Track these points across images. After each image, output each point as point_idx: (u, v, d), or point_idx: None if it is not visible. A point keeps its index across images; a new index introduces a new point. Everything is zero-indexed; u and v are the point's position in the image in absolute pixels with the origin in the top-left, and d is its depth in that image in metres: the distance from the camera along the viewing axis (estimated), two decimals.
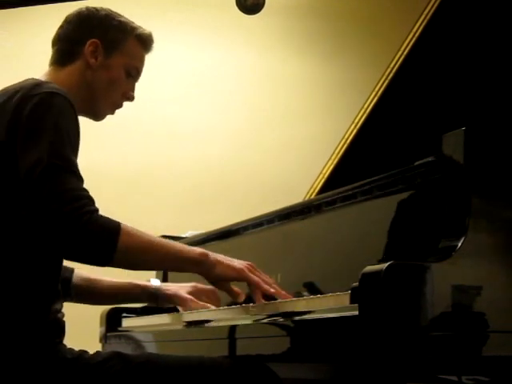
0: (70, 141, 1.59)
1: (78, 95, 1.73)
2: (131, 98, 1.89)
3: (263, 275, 1.72)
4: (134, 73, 1.87)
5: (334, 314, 1.48)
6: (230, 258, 1.71)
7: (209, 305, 1.97)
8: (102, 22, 1.83)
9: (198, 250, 1.69)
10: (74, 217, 1.49)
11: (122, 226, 1.56)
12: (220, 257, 1.70)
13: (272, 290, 1.69)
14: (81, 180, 1.57)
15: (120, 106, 1.89)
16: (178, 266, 1.71)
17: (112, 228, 1.54)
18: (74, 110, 1.64)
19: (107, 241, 1.53)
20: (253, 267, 1.72)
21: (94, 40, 1.81)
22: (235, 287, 1.74)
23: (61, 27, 1.86)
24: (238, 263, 1.71)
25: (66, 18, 1.86)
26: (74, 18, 1.84)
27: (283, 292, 1.72)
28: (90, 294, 1.97)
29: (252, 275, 1.69)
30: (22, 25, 4.14)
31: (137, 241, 1.58)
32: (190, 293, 2.04)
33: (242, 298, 1.75)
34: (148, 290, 2.08)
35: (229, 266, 1.69)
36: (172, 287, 2.08)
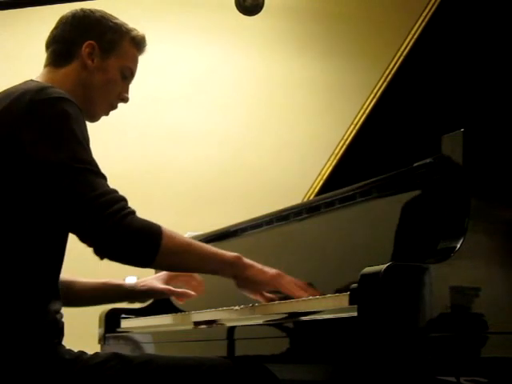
0: (87, 146, 1.63)
1: (74, 96, 1.74)
2: (126, 100, 1.91)
3: (295, 280, 1.74)
4: (128, 74, 1.89)
5: (333, 315, 1.48)
6: (262, 265, 1.74)
7: (189, 291, 2.06)
8: (97, 23, 1.84)
9: (231, 253, 1.72)
10: (117, 220, 1.53)
11: (162, 228, 1.59)
12: (252, 262, 1.73)
13: (306, 295, 1.68)
14: (106, 179, 1.61)
15: (115, 107, 1.91)
16: (214, 268, 1.73)
17: (155, 230, 1.58)
18: (82, 114, 1.66)
19: (151, 243, 1.56)
20: (283, 275, 1.73)
21: (90, 42, 1.82)
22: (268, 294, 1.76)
23: (55, 28, 1.86)
24: (268, 270, 1.73)
25: (61, 19, 1.86)
26: (70, 19, 1.85)
27: (317, 293, 1.72)
28: (64, 296, 1.86)
29: (284, 282, 1.71)
30: (22, 25, 4.14)
31: (177, 243, 1.62)
32: (165, 281, 2.08)
33: (269, 299, 1.76)
34: (124, 289, 2.11)
35: (260, 271, 1.72)
36: (147, 281, 2.11)
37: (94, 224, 1.53)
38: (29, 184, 1.58)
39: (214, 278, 1.78)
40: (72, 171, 1.55)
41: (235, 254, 1.71)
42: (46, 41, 1.87)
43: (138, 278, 2.14)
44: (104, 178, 1.61)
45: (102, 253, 1.56)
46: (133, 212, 1.57)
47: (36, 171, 1.57)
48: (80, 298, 2.07)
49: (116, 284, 2.11)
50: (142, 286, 2.10)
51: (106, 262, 1.59)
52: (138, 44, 1.90)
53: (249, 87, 4.61)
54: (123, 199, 1.58)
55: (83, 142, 1.61)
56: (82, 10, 1.85)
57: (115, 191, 1.59)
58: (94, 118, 1.88)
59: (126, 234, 1.53)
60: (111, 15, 1.88)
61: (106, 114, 1.90)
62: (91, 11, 1.86)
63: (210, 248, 1.71)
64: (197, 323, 2.00)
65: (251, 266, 1.71)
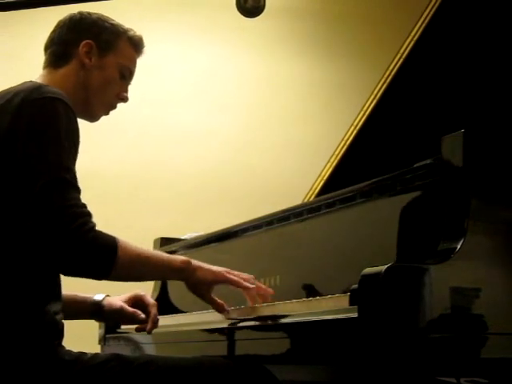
0: (72, 150, 1.62)
1: (74, 96, 1.74)
2: (125, 99, 1.91)
3: (242, 274, 1.80)
4: (127, 74, 1.90)
5: (333, 316, 1.48)
6: (209, 265, 1.78)
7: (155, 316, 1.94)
8: (94, 24, 1.87)
9: (180, 257, 1.76)
10: (80, 234, 1.53)
11: (117, 240, 1.60)
12: (200, 263, 1.76)
13: (252, 286, 1.77)
14: (79, 192, 1.60)
15: (114, 107, 1.91)
16: (165, 275, 1.83)
17: (111, 244, 1.58)
18: (75, 115, 1.66)
19: (108, 256, 1.57)
20: (230, 271, 1.79)
21: (87, 41, 1.83)
22: (219, 299, 1.79)
23: (53, 31, 1.89)
24: (216, 268, 1.78)
25: (59, 22, 1.89)
26: (67, 21, 1.88)
27: (263, 286, 1.83)
28: None
29: (231, 276, 1.77)
30: (23, 27, 4.14)
31: (132, 255, 1.62)
32: (130, 303, 1.99)
33: (225, 309, 1.79)
34: (88, 304, 2.00)
35: (208, 270, 1.76)
36: (115, 301, 2.00)
37: (57, 236, 1.52)
38: (18, 179, 1.57)
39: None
40: (45, 178, 1.55)
41: (183, 258, 1.74)
42: (45, 44, 1.89)
43: (106, 296, 2.00)
44: (76, 189, 1.59)
45: (62, 267, 1.57)
46: (93, 226, 1.56)
47: (20, 170, 1.57)
48: None
49: (82, 298, 2.01)
50: (111, 305, 1.99)
51: None
52: (136, 44, 1.91)
53: (249, 88, 4.61)
54: (87, 214, 1.57)
55: (67, 146, 1.60)
56: (79, 12, 1.88)
57: (83, 205, 1.58)
58: (94, 118, 1.89)
59: (84, 249, 1.53)
60: (108, 17, 1.90)
61: (106, 113, 1.90)
62: (88, 13, 1.88)
63: (161, 255, 1.74)
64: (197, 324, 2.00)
65: (200, 268, 1.74)
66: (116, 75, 1.87)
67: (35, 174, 1.55)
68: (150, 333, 1.91)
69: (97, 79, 1.83)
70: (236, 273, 1.80)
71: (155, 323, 1.91)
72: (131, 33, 1.90)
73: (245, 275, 1.81)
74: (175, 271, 1.73)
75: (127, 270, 1.62)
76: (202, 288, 1.77)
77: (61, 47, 1.85)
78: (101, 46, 1.84)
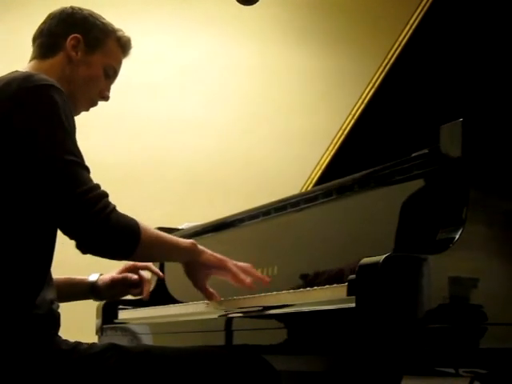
0: (73, 132, 1.64)
1: None
2: (106, 98, 1.93)
3: (242, 265, 1.85)
4: (111, 73, 1.92)
5: (331, 306, 1.48)
6: (210, 251, 1.86)
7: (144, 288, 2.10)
8: (84, 19, 1.88)
9: (187, 240, 1.84)
10: (103, 218, 1.58)
11: (139, 223, 1.66)
12: (203, 248, 1.85)
13: (248, 281, 1.81)
14: (89, 172, 1.64)
15: (95, 104, 1.93)
16: (176, 256, 1.85)
17: (134, 225, 1.64)
18: (68, 100, 1.67)
19: (132, 238, 1.63)
20: (231, 261, 1.85)
21: (75, 35, 1.84)
22: (211, 288, 1.88)
23: (43, 23, 1.89)
24: (217, 254, 1.86)
25: (50, 14, 1.90)
26: (58, 14, 1.89)
27: (260, 275, 1.87)
28: None
29: (231, 265, 1.83)
30: (14, 15, 4.12)
31: (152, 237, 1.69)
32: (122, 271, 2.12)
33: (216, 298, 1.89)
34: (87, 284, 2.11)
35: (212, 255, 1.84)
36: (108, 276, 2.12)
37: (80, 220, 1.56)
38: (19, 172, 1.59)
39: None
40: (59, 163, 1.58)
41: (190, 240, 1.83)
42: (34, 35, 1.89)
43: (100, 275, 2.14)
44: (88, 170, 1.64)
45: (86, 247, 1.61)
46: (114, 208, 1.62)
47: (24, 159, 1.58)
48: None
49: (79, 280, 2.12)
50: (104, 279, 2.11)
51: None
52: (123, 45, 1.93)
53: (246, 78, 4.60)
54: (106, 195, 1.62)
55: (70, 131, 1.63)
56: (71, 7, 1.89)
57: (99, 186, 1.62)
58: (75, 112, 1.88)
59: (110, 231, 1.59)
60: (99, 15, 1.92)
61: (87, 109, 1.92)
62: (80, 9, 1.90)
63: (172, 237, 1.81)
64: (196, 314, 2.00)
65: (204, 252, 1.83)
66: (101, 73, 1.88)
67: (45, 165, 1.57)
68: (146, 296, 2.06)
69: (82, 75, 1.85)
70: (234, 262, 1.85)
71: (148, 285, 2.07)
72: (120, 33, 1.92)
73: (244, 265, 1.85)
74: (185, 252, 1.81)
75: (148, 250, 1.69)
76: (202, 272, 1.85)
77: (49, 39, 1.86)
78: (89, 43, 1.86)
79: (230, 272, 1.82)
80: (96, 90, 1.89)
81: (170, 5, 4.48)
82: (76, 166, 1.59)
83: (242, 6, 1.62)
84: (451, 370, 1.45)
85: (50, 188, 1.57)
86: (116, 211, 1.61)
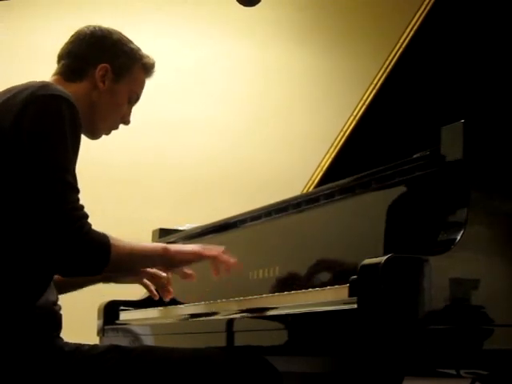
0: (74, 150, 1.64)
1: (81, 113, 1.73)
2: (127, 123, 1.96)
3: (215, 247, 1.86)
4: (134, 98, 1.93)
5: (332, 307, 1.48)
6: (183, 245, 1.88)
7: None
8: (114, 45, 1.86)
9: (159, 245, 1.86)
10: (78, 236, 1.57)
11: (110, 239, 1.64)
12: (177, 246, 1.88)
13: (232, 261, 1.82)
14: (79, 193, 1.63)
15: (116, 128, 1.95)
16: (150, 264, 1.89)
17: (105, 243, 1.62)
18: (78, 113, 1.65)
19: (102, 256, 1.61)
20: (205, 246, 1.86)
21: (104, 65, 1.83)
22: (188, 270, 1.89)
23: (71, 42, 1.86)
24: (192, 247, 1.86)
25: (79, 34, 1.87)
26: (87, 36, 1.86)
27: (231, 260, 1.85)
28: None
29: (207, 252, 1.83)
30: (19, 17, 4.12)
31: (121, 252, 1.67)
32: None
33: (194, 278, 1.88)
34: None
35: (187, 253, 1.83)
36: None
37: (58, 236, 1.55)
38: (19, 173, 1.59)
39: (211, 270, 1.83)
40: (51, 177, 1.57)
41: (162, 244, 1.83)
42: (60, 52, 1.87)
43: None
44: (77, 191, 1.62)
45: (58, 264, 1.59)
46: (90, 228, 1.60)
47: (23, 164, 1.58)
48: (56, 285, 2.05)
49: None
50: None
51: None
52: (148, 70, 1.94)
53: (248, 78, 4.60)
54: (86, 216, 1.61)
55: (70, 147, 1.62)
56: (100, 29, 1.86)
57: (82, 207, 1.61)
58: (96, 137, 1.91)
59: (85, 250, 1.58)
60: (127, 38, 1.90)
61: (107, 133, 1.93)
62: (109, 32, 1.87)
63: (145, 247, 1.80)
64: (196, 315, 2.00)
65: (177, 253, 1.81)
66: (125, 101, 1.90)
67: (38, 175, 1.57)
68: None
69: (106, 103, 1.85)
70: (211, 246, 1.86)
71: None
72: (146, 59, 1.92)
73: (218, 247, 1.86)
74: (158, 259, 1.81)
75: (117, 265, 1.68)
76: (182, 267, 1.85)
77: (77, 63, 1.84)
78: (116, 71, 1.85)
79: (210, 258, 1.82)
80: (119, 116, 1.90)
81: (172, 6, 4.48)
82: (63, 184, 1.58)
83: (244, 7, 1.61)
84: (452, 371, 1.45)
85: (36, 203, 1.56)
86: (90, 231, 1.60)
